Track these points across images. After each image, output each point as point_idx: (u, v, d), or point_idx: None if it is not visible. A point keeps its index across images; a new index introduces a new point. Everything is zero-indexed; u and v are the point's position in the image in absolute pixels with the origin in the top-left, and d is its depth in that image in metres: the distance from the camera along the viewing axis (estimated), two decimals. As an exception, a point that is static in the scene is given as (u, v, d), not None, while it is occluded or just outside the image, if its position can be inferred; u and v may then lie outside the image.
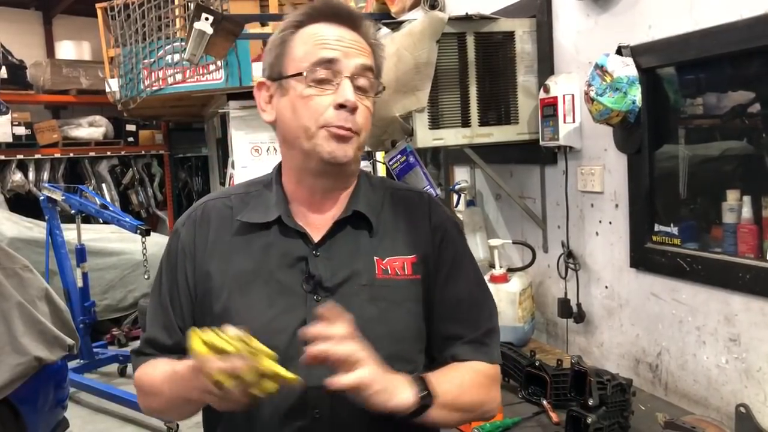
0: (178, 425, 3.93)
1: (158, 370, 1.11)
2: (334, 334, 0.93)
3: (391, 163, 2.29)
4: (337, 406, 1.04)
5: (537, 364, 1.84)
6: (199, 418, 3.89)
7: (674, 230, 1.84)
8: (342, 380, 0.92)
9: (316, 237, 1.10)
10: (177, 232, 1.17)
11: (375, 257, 1.10)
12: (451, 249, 1.16)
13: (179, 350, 1.11)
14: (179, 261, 1.14)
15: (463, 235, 1.24)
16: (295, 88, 1.06)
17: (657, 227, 1.90)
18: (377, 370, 0.95)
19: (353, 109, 1.05)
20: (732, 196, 1.66)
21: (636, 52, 1.85)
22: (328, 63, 1.05)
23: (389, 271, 1.10)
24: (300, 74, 1.05)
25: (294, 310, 1.06)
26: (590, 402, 1.56)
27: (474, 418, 1.15)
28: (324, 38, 1.07)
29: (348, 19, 1.09)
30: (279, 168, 1.19)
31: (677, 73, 1.86)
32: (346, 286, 1.08)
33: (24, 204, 6.90)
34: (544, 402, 1.78)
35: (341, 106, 1.04)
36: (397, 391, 0.97)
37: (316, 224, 1.12)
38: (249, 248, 1.10)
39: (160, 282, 1.17)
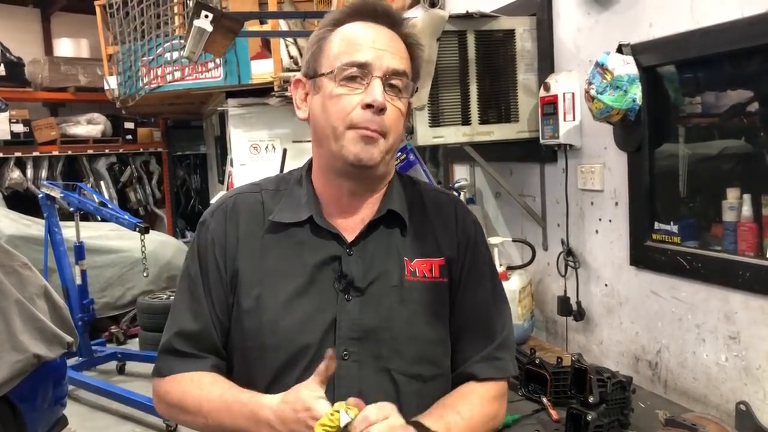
0: (177, 425, 3.93)
1: (207, 391, 1.05)
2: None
3: (391, 160, 2.29)
4: (364, 348, 1.05)
5: (537, 361, 1.85)
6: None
7: (674, 228, 1.85)
8: None
9: (349, 236, 1.09)
10: (205, 223, 1.15)
11: (404, 258, 1.10)
12: (475, 256, 1.16)
13: (210, 341, 1.09)
14: (209, 251, 1.12)
15: (485, 240, 1.23)
16: (327, 87, 1.06)
17: (657, 225, 1.90)
18: None
19: (381, 110, 1.03)
20: (732, 194, 1.66)
21: (636, 50, 1.85)
22: (360, 66, 1.04)
23: (417, 273, 1.10)
24: (331, 72, 1.05)
25: (325, 308, 1.06)
26: (590, 399, 1.56)
27: None
28: (358, 39, 1.06)
29: (386, 19, 1.08)
30: (309, 165, 1.17)
31: (678, 72, 1.86)
32: (376, 286, 1.07)
33: (22, 201, 6.88)
34: (544, 399, 1.78)
35: (368, 106, 1.03)
36: None
37: (348, 224, 1.11)
38: (281, 245, 1.10)
39: (188, 275, 1.14)
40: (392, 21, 1.08)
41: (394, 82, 1.05)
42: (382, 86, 1.04)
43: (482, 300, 1.15)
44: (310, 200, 1.11)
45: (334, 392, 1.02)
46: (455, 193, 2.78)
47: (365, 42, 1.05)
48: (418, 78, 1.14)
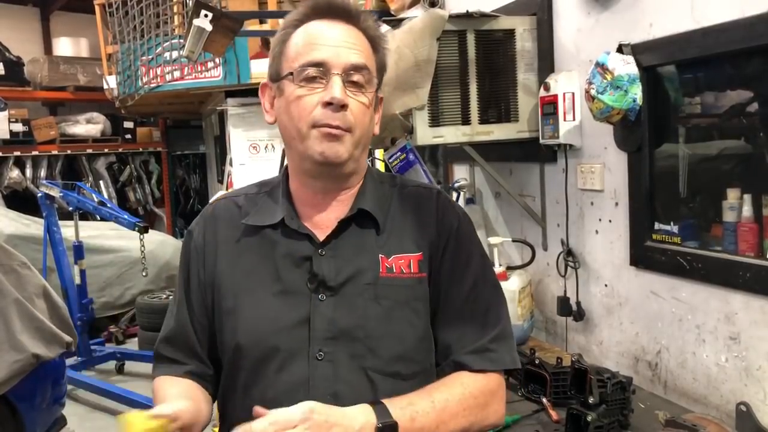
0: (175, 423, 3.92)
1: (160, 396, 1.11)
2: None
3: (390, 160, 2.28)
4: (338, 347, 1.05)
5: (537, 362, 1.84)
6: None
7: (674, 228, 1.84)
8: None
9: (322, 236, 1.09)
10: (190, 232, 1.19)
11: (380, 255, 1.09)
12: (458, 247, 1.13)
13: (188, 344, 1.14)
14: (192, 260, 1.16)
15: (473, 233, 1.19)
16: (289, 89, 1.06)
17: (657, 225, 1.90)
18: (318, 421, 0.89)
19: (342, 106, 1.03)
20: (732, 194, 1.66)
21: (637, 50, 1.85)
22: (318, 65, 1.04)
23: (394, 270, 1.08)
24: (291, 74, 1.06)
25: (298, 309, 1.06)
26: (590, 400, 1.55)
27: None
28: (314, 39, 1.06)
29: (345, 15, 1.08)
30: (287, 168, 1.19)
31: (678, 72, 1.85)
32: (349, 285, 1.07)
33: (21, 201, 6.89)
34: (544, 400, 1.78)
35: (328, 104, 1.03)
36: (353, 426, 0.92)
37: (322, 224, 1.11)
38: (256, 248, 1.11)
39: (177, 282, 1.21)
40: (349, 16, 1.08)
41: (355, 78, 1.05)
42: (342, 83, 1.04)
43: (469, 291, 1.11)
44: (284, 202, 1.12)
45: (309, 393, 1.01)
46: (454, 192, 2.79)
47: (321, 40, 1.05)
48: (384, 70, 1.13)
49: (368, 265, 1.08)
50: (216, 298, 1.12)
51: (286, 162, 1.21)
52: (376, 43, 1.11)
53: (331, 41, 1.05)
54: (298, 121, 1.05)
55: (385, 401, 0.98)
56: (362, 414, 0.95)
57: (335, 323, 1.05)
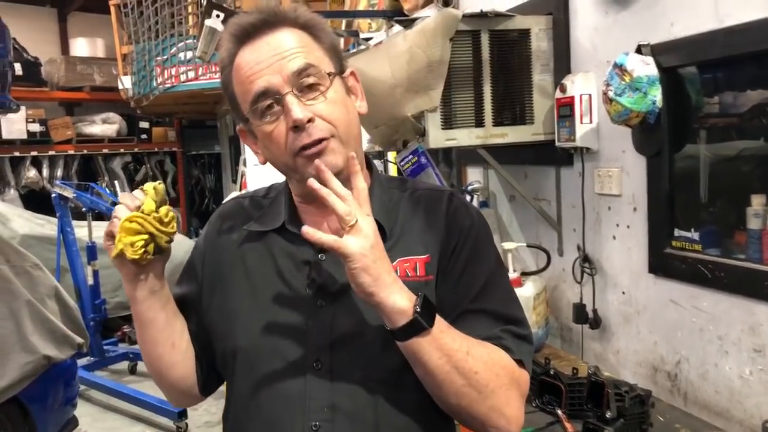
0: (187, 425, 3.92)
1: None
2: (336, 188, 0.91)
3: (402, 163, 2.24)
4: (336, 357, 1.00)
5: (552, 372, 1.79)
6: (208, 417, 3.89)
7: (695, 235, 1.79)
8: (323, 236, 0.88)
9: None
10: (197, 245, 1.20)
11: None
12: (470, 248, 1.06)
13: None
14: (195, 255, 1.17)
15: (488, 236, 1.12)
16: (257, 129, 1.03)
17: (677, 232, 1.84)
18: (372, 252, 0.90)
19: (309, 120, 0.98)
20: (757, 200, 1.60)
21: (657, 50, 1.79)
22: (263, 95, 0.99)
23: (398, 273, 1.01)
24: (248, 118, 1.02)
25: (298, 313, 1.03)
26: (608, 414, 1.51)
27: (477, 408, 0.96)
28: (247, 71, 1.00)
29: (261, 28, 1.01)
30: None
31: (700, 73, 1.80)
32: (350, 291, 0.99)
33: (38, 200, 6.95)
34: (559, 412, 1.73)
35: (295, 128, 0.98)
36: (392, 291, 0.90)
37: (325, 228, 1.05)
38: (258, 252, 1.09)
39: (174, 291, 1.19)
40: (267, 24, 1.00)
41: (308, 82, 0.99)
42: (296, 99, 0.98)
43: (479, 292, 1.05)
44: (286, 207, 1.10)
45: (305, 404, 0.99)
46: (468, 195, 2.74)
47: (253, 69, 0.99)
48: (337, 49, 1.07)
49: None
50: (215, 296, 1.10)
51: None
52: (312, 29, 1.03)
53: (263, 63, 0.99)
54: (280, 156, 1.01)
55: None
56: (404, 299, 0.92)
57: (334, 330, 1.01)
